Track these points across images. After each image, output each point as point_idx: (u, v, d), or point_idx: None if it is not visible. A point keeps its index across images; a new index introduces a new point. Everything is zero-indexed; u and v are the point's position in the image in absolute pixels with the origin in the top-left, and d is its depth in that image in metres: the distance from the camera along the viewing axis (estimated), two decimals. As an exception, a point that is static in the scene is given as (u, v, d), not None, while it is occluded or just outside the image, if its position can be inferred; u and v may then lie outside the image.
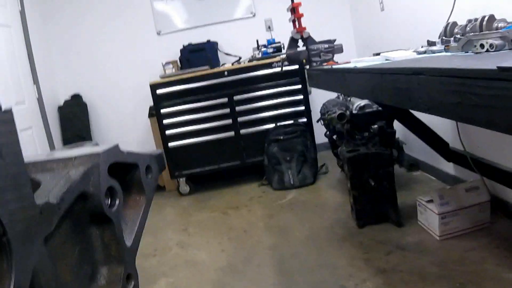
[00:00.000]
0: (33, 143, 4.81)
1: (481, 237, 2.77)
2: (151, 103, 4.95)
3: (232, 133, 4.84)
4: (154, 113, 4.91)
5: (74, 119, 5.54)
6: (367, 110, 3.43)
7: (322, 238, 3.24)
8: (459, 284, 2.30)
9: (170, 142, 4.88)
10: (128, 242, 0.41)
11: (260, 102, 4.79)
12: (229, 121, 4.82)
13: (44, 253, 0.35)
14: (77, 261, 0.40)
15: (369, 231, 3.16)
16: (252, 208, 4.21)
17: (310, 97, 4.84)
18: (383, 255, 2.79)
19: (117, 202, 0.40)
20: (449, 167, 3.66)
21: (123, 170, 0.43)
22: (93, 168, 0.38)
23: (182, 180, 5.04)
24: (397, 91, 1.38)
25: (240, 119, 4.82)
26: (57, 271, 0.36)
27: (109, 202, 0.40)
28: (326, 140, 4.40)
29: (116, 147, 0.39)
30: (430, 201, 2.93)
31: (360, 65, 2.15)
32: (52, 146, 5.17)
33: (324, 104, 4.29)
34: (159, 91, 4.77)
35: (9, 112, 0.30)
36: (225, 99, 4.77)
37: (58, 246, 0.38)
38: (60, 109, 5.58)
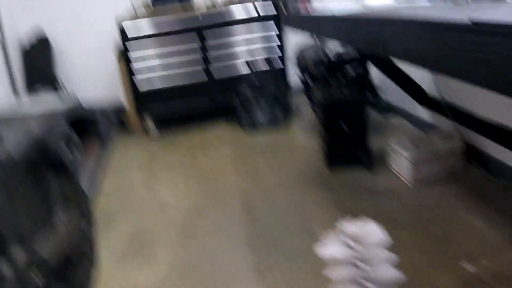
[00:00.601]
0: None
1: (453, 185, 2.85)
2: (120, 45, 4.84)
3: (205, 79, 4.83)
4: (122, 55, 4.81)
5: (38, 58, 5.35)
6: (343, 55, 3.45)
7: (292, 181, 3.30)
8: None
9: (139, 85, 4.85)
10: (86, 187, 0.44)
11: (235, 47, 4.78)
12: (203, 66, 4.80)
13: (1, 199, 0.37)
14: (36, 206, 0.42)
15: (340, 175, 3.21)
16: (222, 149, 4.25)
17: (284, 39, 4.82)
18: (353, 199, 2.86)
19: (75, 153, 0.42)
20: (424, 114, 3.73)
21: (84, 123, 0.45)
22: (53, 123, 0.40)
23: (150, 120, 5.02)
24: (372, 39, 1.40)
25: (213, 65, 4.81)
26: (14, 214, 0.38)
27: (68, 152, 0.42)
28: (299, 82, 4.42)
29: (76, 102, 0.41)
30: (403, 146, 2.97)
31: (337, 11, 2.15)
32: (14, 88, 5.04)
33: (299, 48, 4.28)
34: (128, 33, 4.69)
35: None
36: (197, 44, 4.73)
37: (19, 194, 0.40)
38: (24, 48, 5.37)
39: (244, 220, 2.91)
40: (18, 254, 0.35)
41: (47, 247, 0.38)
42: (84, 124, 0.42)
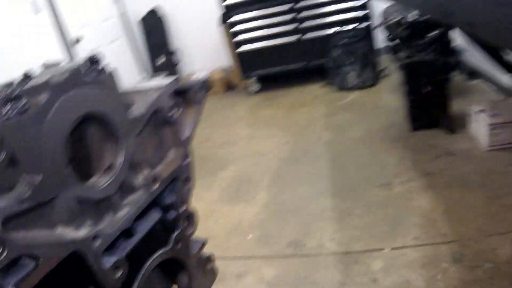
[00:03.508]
0: (123, 53, 5.32)
1: (529, 153, 2.69)
2: (221, 12, 5.04)
3: (296, 37, 4.90)
4: (224, 21, 5.04)
5: (155, 29, 5.76)
6: (425, 17, 3.36)
7: (376, 138, 3.36)
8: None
9: (240, 46, 5.06)
10: (186, 135, 0.67)
11: (322, 7, 4.77)
12: (293, 26, 4.86)
13: (137, 141, 0.63)
14: (156, 146, 0.67)
15: (421, 135, 3.20)
16: (315, 107, 4.38)
17: (371, 2, 4.74)
18: (431, 159, 2.86)
19: (177, 112, 0.66)
20: (507, 80, 3.56)
21: (183, 92, 0.68)
22: (161, 94, 0.63)
23: (252, 80, 5.24)
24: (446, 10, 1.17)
25: (303, 24, 4.85)
26: (144, 151, 0.63)
27: (172, 113, 0.65)
28: (386, 44, 4.36)
29: (176, 81, 0.64)
30: (483, 110, 2.84)
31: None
32: (138, 55, 5.59)
33: (385, 9, 4.20)
34: (227, 1, 4.87)
35: (111, 74, 0.53)
36: (289, 5, 4.79)
37: (145, 138, 0.66)
38: (142, 21, 5.80)
39: (330, 169, 3.06)
40: (147, 172, 0.57)
41: (164, 169, 0.59)
42: (185, 92, 0.59)
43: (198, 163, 3.55)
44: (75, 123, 0.55)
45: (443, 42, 3.15)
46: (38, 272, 0.49)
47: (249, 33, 4.99)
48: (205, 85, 0.72)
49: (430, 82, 3.10)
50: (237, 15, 4.93)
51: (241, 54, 5.09)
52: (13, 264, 0.51)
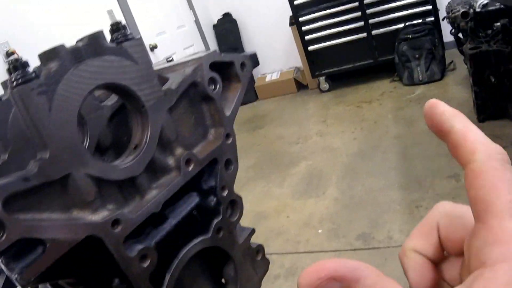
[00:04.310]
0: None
1: None
2: (290, 13, 4.95)
3: (364, 34, 4.71)
4: (294, 21, 4.94)
5: (227, 34, 5.79)
6: (490, 8, 3.10)
7: None
8: None
9: (309, 46, 4.93)
10: (227, 113, 0.57)
11: (389, 3, 4.54)
12: (361, 23, 4.67)
13: (168, 118, 0.54)
14: (193, 124, 0.58)
15: (488, 126, 2.99)
16: (383, 102, 4.20)
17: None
18: None
19: (217, 87, 0.56)
20: None
21: (224, 66, 0.58)
22: (199, 67, 0.53)
23: (322, 79, 5.11)
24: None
25: (371, 20, 4.65)
26: (178, 129, 0.54)
27: (212, 87, 0.55)
28: (454, 37, 4.09)
29: (215, 52, 0.54)
30: None
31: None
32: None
33: (449, 3, 3.95)
34: (296, 1, 4.77)
35: (139, 38, 0.45)
36: (356, 3, 4.61)
37: (179, 115, 0.57)
38: (215, 27, 5.86)
39: (398, 162, 2.93)
40: (180, 152, 0.49)
41: (201, 150, 0.50)
42: (227, 66, 0.52)
43: (271, 160, 3.52)
44: (89, 95, 0.46)
45: (509, 32, 2.88)
46: (46, 258, 0.41)
47: (318, 32, 4.85)
48: (251, 59, 0.61)
49: (497, 72, 2.89)
50: (306, 15, 4.80)
51: (311, 53, 4.96)
52: (23, 249, 0.42)
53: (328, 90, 5.12)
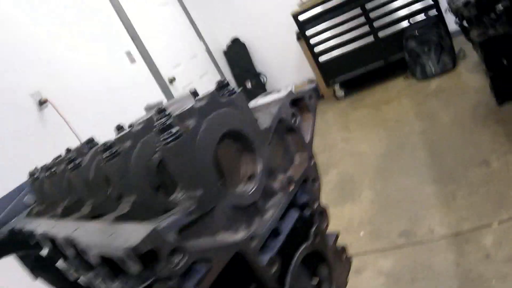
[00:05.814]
0: (212, 83, 5.49)
1: None
2: (296, 29, 5.10)
3: (371, 38, 4.83)
4: (301, 35, 5.08)
5: (238, 58, 5.98)
6: None
7: (466, 119, 3.20)
8: None
9: (320, 56, 5.06)
10: (307, 139, 0.69)
11: (391, 3, 4.66)
12: (367, 28, 4.79)
13: (268, 149, 0.67)
14: (283, 152, 0.71)
15: (509, 108, 3.01)
16: (401, 100, 4.26)
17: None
18: None
19: (297, 119, 0.68)
20: None
21: (297, 101, 0.71)
22: (282, 106, 0.66)
23: (336, 86, 5.23)
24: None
25: (375, 24, 4.76)
26: (274, 157, 0.67)
27: (293, 120, 0.68)
28: (459, 26, 4.17)
29: (291, 92, 0.67)
30: None
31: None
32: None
33: None
34: (300, 17, 4.92)
35: (240, 92, 0.58)
36: (358, 10, 4.73)
37: (273, 146, 0.70)
38: (225, 53, 6.05)
39: (427, 157, 2.96)
40: (281, 177, 0.61)
41: (294, 173, 0.62)
42: (299, 101, 0.62)
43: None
44: (218, 141, 0.59)
45: (512, 12, 2.92)
46: (211, 275, 0.54)
47: (325, 43, 4.99)
48: (315, 92, 0.74)
49: (508, 54, 2.90)
50: (312, 28, 4.94)
51: (321, 64, 5.10)
52: (188, 269, 0.55)
53: (344, 97, 5.23)
